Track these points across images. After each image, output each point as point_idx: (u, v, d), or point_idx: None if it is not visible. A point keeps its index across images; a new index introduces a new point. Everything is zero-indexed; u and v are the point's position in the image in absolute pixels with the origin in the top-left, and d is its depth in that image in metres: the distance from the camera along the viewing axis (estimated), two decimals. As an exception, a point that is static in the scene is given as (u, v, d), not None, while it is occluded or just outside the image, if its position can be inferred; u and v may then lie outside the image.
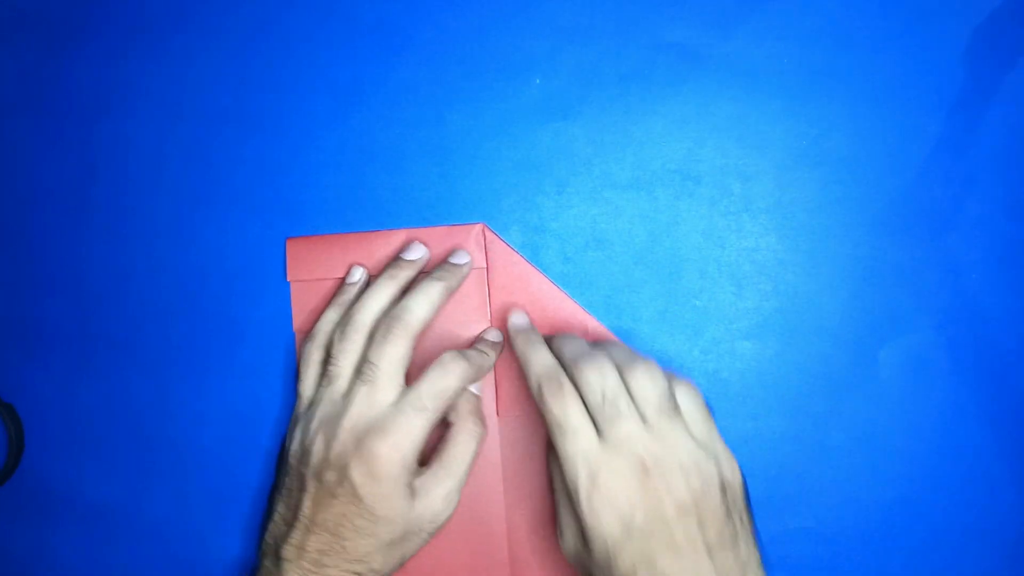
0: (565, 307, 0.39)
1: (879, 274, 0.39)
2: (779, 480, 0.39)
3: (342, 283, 0.40)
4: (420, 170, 0.41)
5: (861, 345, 0.39)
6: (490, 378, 0.40)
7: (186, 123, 0.42)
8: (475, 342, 0.39)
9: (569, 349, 0.35)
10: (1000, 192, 0.39)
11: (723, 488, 0.32)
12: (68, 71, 0.42)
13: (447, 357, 0.35)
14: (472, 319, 0.39)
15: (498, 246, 0.40)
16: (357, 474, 0.33)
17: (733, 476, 0.33)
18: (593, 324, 0.39)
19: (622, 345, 0.37)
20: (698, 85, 0.40)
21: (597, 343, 0.37)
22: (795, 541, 0.39)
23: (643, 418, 0.33)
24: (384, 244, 0.40)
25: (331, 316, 0.38)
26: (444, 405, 0.35)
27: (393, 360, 0.35)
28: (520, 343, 0.36)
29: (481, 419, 0.37)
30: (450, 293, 0.37)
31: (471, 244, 0.40)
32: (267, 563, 0.35)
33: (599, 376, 0.33)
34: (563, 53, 0.40)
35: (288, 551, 0.34)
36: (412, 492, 0.34)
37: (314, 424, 0.35)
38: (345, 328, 0.36)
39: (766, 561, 0.33)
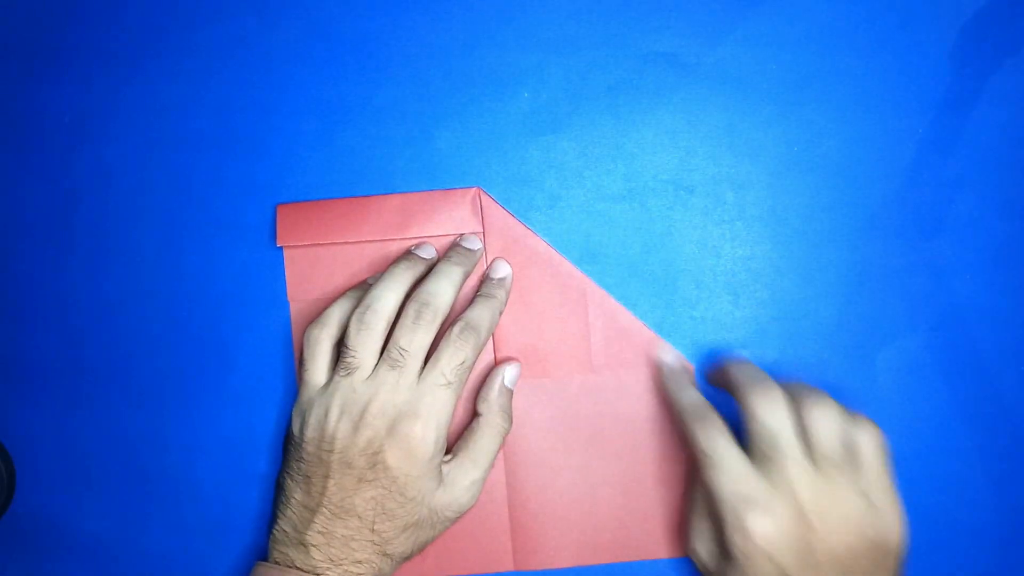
0: (563, 269, 0.39)
1: (875, 278, 0.39)
2: (782, 488, 0.39)
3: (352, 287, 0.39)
4: (409, 189, 0.40)
5: (859, 350, 0.39)
6: (489, 348, 0.40)
7: (168, 147, 0.41)
8: (481, 282, 0.39)
9: (742, 374, 0.34)
10: (990, 192, 0.39)
11: (882, 551, 0.31)
12: (45, 98, 0.41)
13: (455, 331, 0.35)
14: (469, 282, 0.39)
15: (494, 210, 0.39)
16: (392, 457, 0.33)
17: (895, 539, 0.32)
18: (590, 287, 0.39)
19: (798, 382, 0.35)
20: (688, 94, 0.39)
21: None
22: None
23: (812, 461, 0.32)
24: (377, 210, 0.40)
25: (344, 304, 0.37)
26: (466, 375, 0.35)
27: (423, 345, 0.35)
28: (671, 385, 0.37)
29: (509, 415, 0.37)
30: (466, 278, 0.38)
31: (467, 208, 0.39)
32: (286, 551, 0.34)
33: (769, 408, 0.32)
34: (551, 66, 0.40)
35: (313, 537, 0.34)
36: (440, 477, 0.35)
37: (334, 411, 0.34)
38: (364, 315, 0.35)
39: None
